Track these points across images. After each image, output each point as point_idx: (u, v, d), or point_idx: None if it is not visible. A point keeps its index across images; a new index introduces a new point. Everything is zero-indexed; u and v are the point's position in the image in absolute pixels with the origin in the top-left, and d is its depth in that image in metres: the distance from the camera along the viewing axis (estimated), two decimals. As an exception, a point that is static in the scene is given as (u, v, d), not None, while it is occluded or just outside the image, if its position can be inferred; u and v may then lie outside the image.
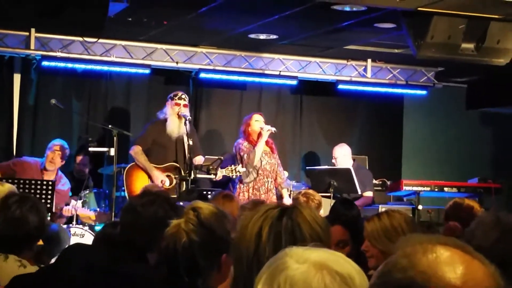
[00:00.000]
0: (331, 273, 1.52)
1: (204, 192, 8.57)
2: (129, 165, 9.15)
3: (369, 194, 10.15)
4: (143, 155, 9.07)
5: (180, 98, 9.18)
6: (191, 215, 2.93)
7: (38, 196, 8.02)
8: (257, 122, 9.36)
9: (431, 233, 4.56)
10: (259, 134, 9.31)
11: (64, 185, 9.21)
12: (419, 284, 1.37)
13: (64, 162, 9.34)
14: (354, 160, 10.46)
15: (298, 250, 1.58)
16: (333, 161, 10.40)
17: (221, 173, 9.00)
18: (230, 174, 9.03)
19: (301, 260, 1.55)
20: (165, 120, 9.19)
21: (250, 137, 9.35)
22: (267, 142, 9.42)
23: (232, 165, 9.10)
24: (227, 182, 9.88)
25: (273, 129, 9.35)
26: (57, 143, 9.31)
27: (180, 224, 2.92)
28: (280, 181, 9.45)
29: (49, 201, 8.26)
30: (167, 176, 9.04)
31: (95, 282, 3.02)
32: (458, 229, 4.99)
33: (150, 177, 9.04)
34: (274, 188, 9.44)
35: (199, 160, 9.25)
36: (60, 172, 9.32)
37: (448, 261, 1.40)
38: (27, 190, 8.11)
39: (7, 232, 4.00)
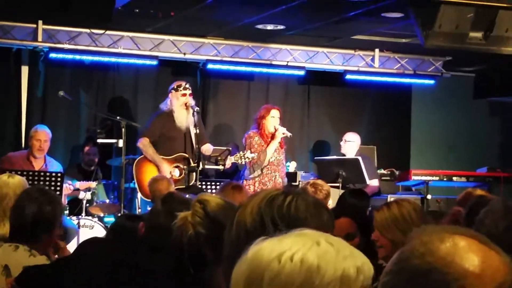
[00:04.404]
0: (284, 258, 1.45)
1: (213, 183, 8.59)
2: (138, 158, 9.15)
3: (374, 182, 10.07)
4: (151, 147, 9.06)
5: (185, 89, 9.17)
6: (197, 208, 2.93)
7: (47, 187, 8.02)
8: (273, 119, 9.19)
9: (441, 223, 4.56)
10: (273, 135, 9.19)
11: (56, 168, 9.16)
12: (438, 270, 1.38)
13: (49, 144, 9.29)
14: (358, 150, 10.46)
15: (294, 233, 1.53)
16: (342, 143, 10.38)
17: (229, 161, 8.96)
18: (239, 161, 8.98)
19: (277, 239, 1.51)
20: (170, 111, 9.15)
21: (262, 130, 9.22)
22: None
23: (241, 152, 9.05)
24: (234, 173, 9.87)
25: (289, 134, 9.25)
26: (40, 130, 9.20)
27: (187, 217, 2.92)
28: (282, 176, 9.36)
29: (58, 193, 8.25)
30: (176, 167, 9.03)
31: (107, 275, 3.03)
32: (461, 214, 4.96)
33: (159, 169, 9.03)
34: (282, 181, 9.39)
35: (207, 148, 9.21)
36: (48, 157, 9.29)
37: (466, 249, 1.41)
38: (35, 182, 8.11)
39: (17, 223, 4.05)
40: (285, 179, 9.48)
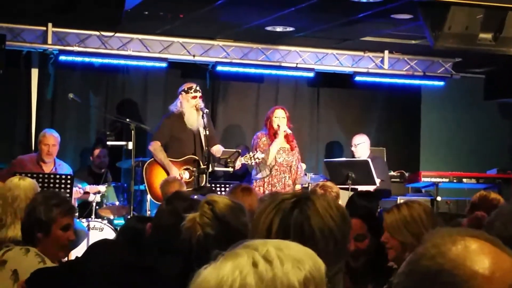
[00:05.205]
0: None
1: (222, 185, 8.58)
2: (148, 161, 9.14)
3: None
4: (163, 152, 9.03)
5: (196, 91, 9.16)
6: (206, 209, 2.93)
7: (57, 190, 8.03)
8: (276, 119, 9.22)
9: (452, 225, 4.55)
10: (277, 132, 9.21)
11: (66, 171, 9.19)
12: (447, 271, 1.38)
13: (58, 148, 9.34)
14: (370, 151, 10.43)
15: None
16: (353, 148, 10.38)
17: (239, 162, 8.95)
18: (249, 162, 8.97)
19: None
20: (180, 113, 9.15)
21: (270, 130, 9.26)
22: (287, 139, 9.31)
23: (250, 153, 9.05)
24: (244, 175, 9.86)
25: (289, 131, 9.22)
26: (48, 134, 9.26)
27: (195, 218, 2.92)
28: (296, 177, 9.36)
29: (68, 195, 8.26)
30: (186, 169, 9.03)
31: (116, 278, 3.03)
32: (485, 219, 4.95)
33: (168, 174, 9.02)
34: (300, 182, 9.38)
35: (217, 149, 9.19)
36: (57, 160, 9.32)
37: (477, 251, 1.41)
38: (46, 185, 8.13)
39: (27, 223, 4.06)
40: (302, 179, 9.45)
